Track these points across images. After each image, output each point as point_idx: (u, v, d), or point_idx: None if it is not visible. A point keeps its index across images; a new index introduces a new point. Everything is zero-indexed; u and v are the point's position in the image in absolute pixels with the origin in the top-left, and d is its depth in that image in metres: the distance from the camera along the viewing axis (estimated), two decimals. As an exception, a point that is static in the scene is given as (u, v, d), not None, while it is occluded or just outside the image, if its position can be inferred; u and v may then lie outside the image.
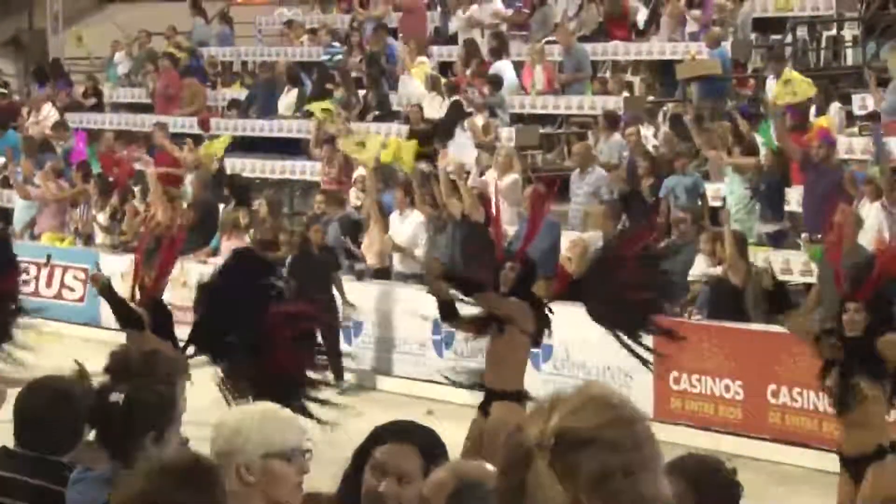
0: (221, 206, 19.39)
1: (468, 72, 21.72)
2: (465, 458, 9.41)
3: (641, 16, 22.71)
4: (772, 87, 18.28)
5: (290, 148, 22.61)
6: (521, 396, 10.21)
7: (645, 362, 10.76)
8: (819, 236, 14.32)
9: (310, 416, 8.96)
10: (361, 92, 22.50)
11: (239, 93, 24.71)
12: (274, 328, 9.06)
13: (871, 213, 14.51)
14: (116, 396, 4.67)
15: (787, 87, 15.44)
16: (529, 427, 2.49)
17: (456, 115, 20.13)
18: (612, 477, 2.44)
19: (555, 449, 2.45)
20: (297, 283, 12.81)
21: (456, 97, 20.67)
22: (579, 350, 14.33)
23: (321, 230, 17.08)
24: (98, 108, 25.96)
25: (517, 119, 21.37)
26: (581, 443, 2.45)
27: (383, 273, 17.03)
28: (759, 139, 16.39)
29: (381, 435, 4.05)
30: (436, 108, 21.01)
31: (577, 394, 2.52)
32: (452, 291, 10.69)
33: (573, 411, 2.47)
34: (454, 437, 12.66)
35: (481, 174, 18.31)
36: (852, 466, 8.16)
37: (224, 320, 8.92)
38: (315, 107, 20.78)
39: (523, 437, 2.48)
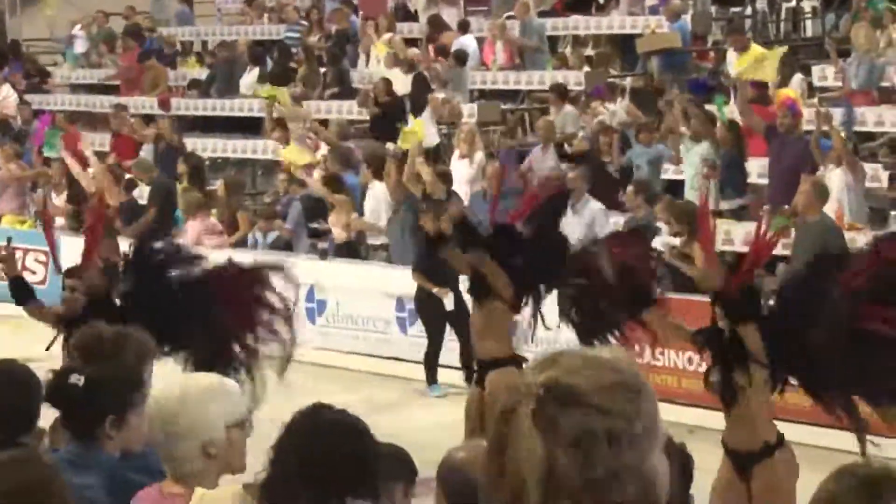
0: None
1: (431, 48, 21.71)
2: (469, 437, 9.34)
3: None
4: (732, 59, 18.32)
5: (251, 127, 22.53)
6: (515, 360, 10.11)
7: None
8: (786, 207, 14.36)
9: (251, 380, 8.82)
10: (323, 70, 22.44)
11: (199, 72, 24.60)
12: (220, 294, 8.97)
13: (833, 179, 14.57)
14: (76, 378, 4.64)
15: (756, 65, 15.44)
16: (526, 377, 2.42)
17: (422, 89, 20.08)
18: (594, 440, 2.36)
19: (540, 400, 2.37)
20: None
21: (419, 71, 20.64)
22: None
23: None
24: (41, 89, 25.78)
25: (479, 95, 21.37)
26: (568, 399, 2.37)
27: (350, 248, 16.99)
28: (715, 112, 16.40)
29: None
30: (400, 83, 20.97)
31: (585, 353, 2.45)
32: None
33: (572, 368, 2.40)
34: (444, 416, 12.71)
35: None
36: (737, 460, 7.98)
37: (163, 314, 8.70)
38: (264, 93, 20.72)
39: (518, 386, 2.41)
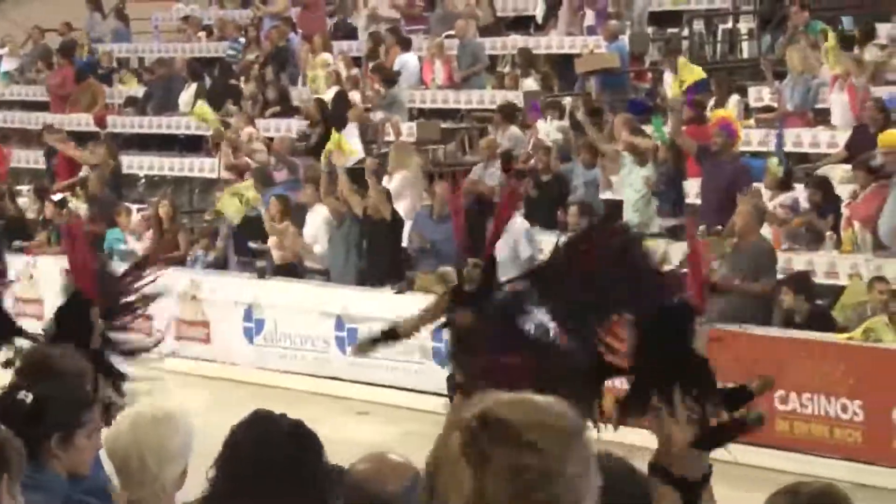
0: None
1: (370, 66, 21.71)
2: None
3: (539, 10, 22.80)
4: (669, 80, 18.45)
5: (189, 145, 22.43)
6: None
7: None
8: (718, 228, 14.43)
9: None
10: (262, 87, 22.38)
11: (136, 89, 24.47)
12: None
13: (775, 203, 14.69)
14: (23, 395, 4.59)
15: None
16: (454, 420, 2.44)
17: (342, 107, 20.07)
18: (527, 478, 2.37)
19: (472, 432, 2.38)
20: None
21: (341, 89, 20.65)
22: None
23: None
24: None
25: (418, 114, 21.39)
26: (500, 433, 2.37)
27: (288, 269, 16.93)
28: (653, 133, 16.50)
29: None
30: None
31: (520, 395, 2.45)
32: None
33: (509, 402, 2.40)
34: (379, 435, 12.68)
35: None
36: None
37: None
38: (197, 113, 20.67)
39: (451, 421, 2.44)
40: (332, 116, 19.86)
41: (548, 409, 2.42)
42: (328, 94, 21.02)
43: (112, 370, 7.45)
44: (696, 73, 18.33)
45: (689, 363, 4.59)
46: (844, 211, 14.69)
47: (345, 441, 12.22)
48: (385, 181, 17.06)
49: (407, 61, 21.73)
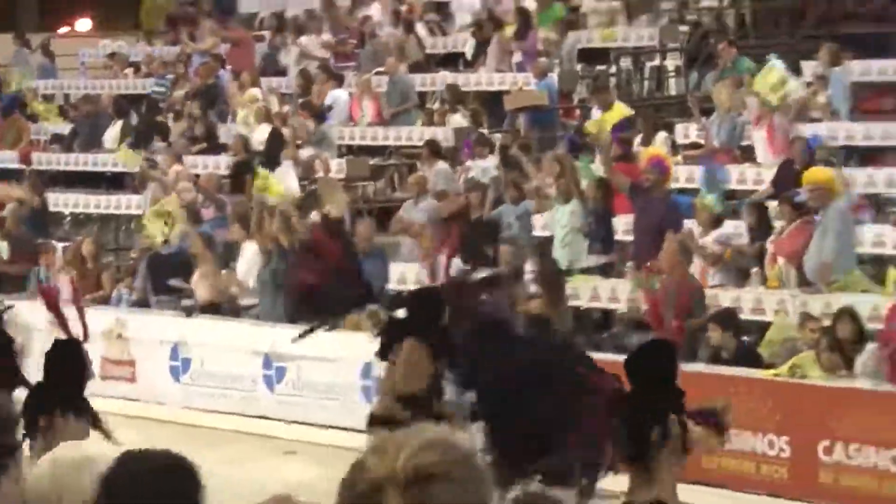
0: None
1: (300, 102, 21.67)
2: None
3: (469, 47, 22.86)
4: (597, 116, 18.51)
5: (115, 182, 22.26)
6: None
7: None
8: (649, 265, 14.46)
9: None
10: (190, 124, 22.27)
11: (62, 126, 24.27)
12: None
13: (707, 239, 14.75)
14: None
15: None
16: (373, 463, 2.60)
17: (277, 144, 20.00)
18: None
19: (407, 484, 2.55)
20: None
21: (274, 126, 20.59)
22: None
23: None
24: None
25: (347, 150, 21.35)
26: (432, 478, 2.56)
27: (214, 308, 16.80)
28: (581, 170, 16.53)
29: None
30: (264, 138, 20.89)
31: (418, 433, 2.64)
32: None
33: (421, 449, 2.59)
34: (306, 474, 12.56)
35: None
36: None
37: None
38: (121, 156, 20.56)
39: (368, 472, 2.59)
40: (267, 154, 19.75)
41: (455, 445, 2.64)
42: (259, 131, 20.95)
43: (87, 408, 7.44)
44: (622, 111, 18.42)
45: (675, 392, 4.95)
46: (769, 247, 14.78)
47: (272, 481, 12.15)
48: (313, 217, 17.03)
49: (338, 97, 21.71)
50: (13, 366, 7.95)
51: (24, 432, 7.44)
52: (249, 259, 16.80)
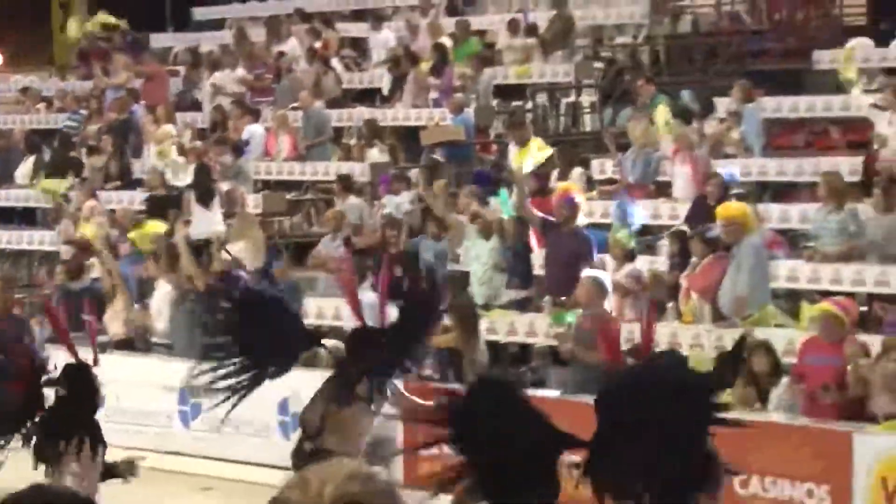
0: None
1: (214, 138, 21.58)
2: None
3: (385, 82, 22.90)
4: (513, 152, 18.61)
5: (28, 217, 22.05)
6: None
7: None
8: (563, 299, 14.52)
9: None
10: (104, 159, 22.11)
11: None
12: None
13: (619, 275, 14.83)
14: None
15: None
16: (297, 497, 2.70)
17: (206, 178, 19.87)
18: None
19: None
20: None
21: (201, 161, 20.50)
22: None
23: None
24: None
25: (263, 185, 21.29)
26: None
27: (127, 344, 16.65)
28: (498, 206, 16.59)
29: None
30: (180, 174, 20.77)
31: (339, 466, 2.76)
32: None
33: (344, 481, 2.70)
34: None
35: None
36: None
37: None
38: (45, 185, 20.39)
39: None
40: (198, 190, 19.56)
41: (378, 477, 2.76)
42: (175, 167, 20.84)
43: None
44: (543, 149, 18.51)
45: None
46: (683, 282, 14.89)
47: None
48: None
49: (254, 132, 21.65)
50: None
51: (37, 457, 7.49)
52: (161, 297, 16.67)
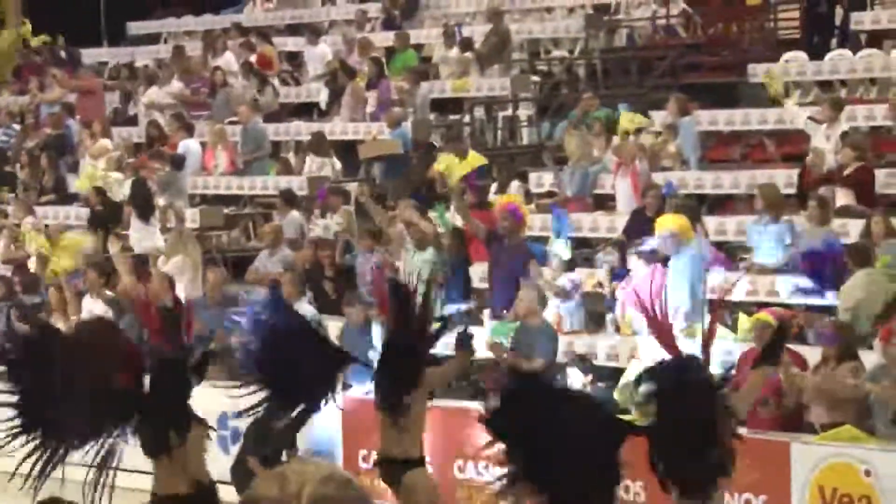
0: None
1: (150, 152, 21.46)
2: None
3: (323, 97, 22.88)
4: (439, 165, 18.64)
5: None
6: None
7: None
8: (506, 312, 14.55)
9: None
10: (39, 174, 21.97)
11: None
12: None
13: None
14: None
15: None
16: (274, 496, 2.78)
17: (145, 193, 19.76)
18: None
19: None
20: None
21: (139, 176, 20.39)
22: None
23: None
24: None
25: (201, 200, 21.19)
26: None
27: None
28: (436, 219, 16.59)
29: None
30: (117, 189, 20.65)
31: (316, 467, 2.86)
32: None
33: (322, 482, 2.80)
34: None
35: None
36: None
37: None
38: None
39: (270, 502, 2.79)
40: (136, 204, 19.43)
41: (352, 480, 2.85)
42: (111, 182, 20.72)
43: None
44: (477, 159, 18.60)
45: None
46: (619, 294, 14.94)
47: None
48: (161, 264, 16.98)
49: (189, 146, 21.55)
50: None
51: (152, 450, 7.97)
52: (98, 311, 16.57)
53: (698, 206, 16.35)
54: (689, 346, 13.12)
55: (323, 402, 9.21)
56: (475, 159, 18.69)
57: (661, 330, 7.19)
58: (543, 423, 6.11)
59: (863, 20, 20.80)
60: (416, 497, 9.78)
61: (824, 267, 14.27)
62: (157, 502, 8.53)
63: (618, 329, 14.83)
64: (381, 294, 10.06)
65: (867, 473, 11.14)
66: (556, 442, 6.09)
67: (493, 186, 18.26)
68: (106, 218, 19.48)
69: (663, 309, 7.42)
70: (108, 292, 16.76)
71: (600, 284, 15.53)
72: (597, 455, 6.24)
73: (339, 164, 20.74)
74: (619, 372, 14.02)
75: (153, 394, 8.10)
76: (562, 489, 6.08)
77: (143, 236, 18.79)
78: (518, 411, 6.20)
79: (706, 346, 7.22)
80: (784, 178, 16.77)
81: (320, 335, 9.53)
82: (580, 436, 6.14)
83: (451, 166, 18.55)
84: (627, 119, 18.17)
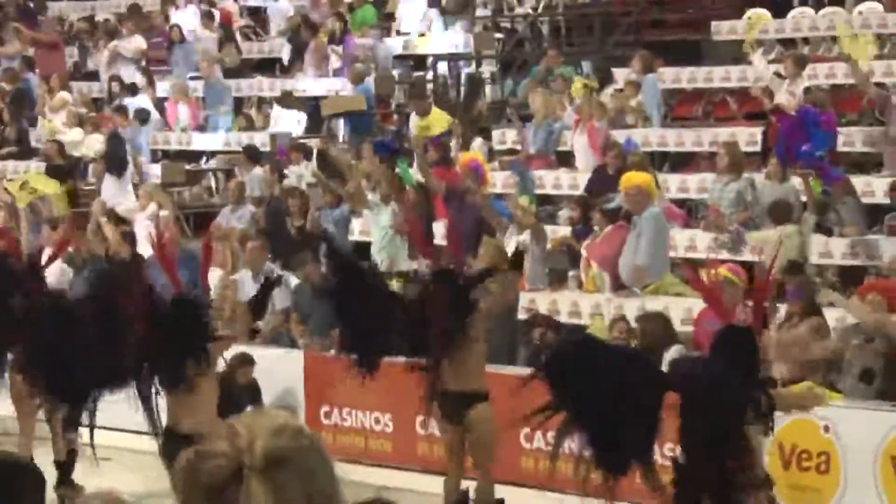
0: None
1: (111, 107, 21.33)
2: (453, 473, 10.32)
3: (285, 53, 22.75)
4: (414, 122, 18.58)
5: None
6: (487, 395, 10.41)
7: None
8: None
9: None
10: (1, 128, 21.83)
11: None
12: None
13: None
14: None
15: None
16: (226, 449, 2.67)
17: (119, 148, 19.59)
18: (318, 488, 2.72)
19: (265, 468, 2.65)
20: None
21: (113, 131, 20.22)
22: None
23: None
24: None
25: (163, 155, 21.09)
26: (288, 461, 2.68)
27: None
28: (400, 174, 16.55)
29: None
30: (77, 144, 20.52)
31: (267, 418, 2.74)
32: None
33: (273, 434, 2.69)
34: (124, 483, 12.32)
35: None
36: None
37: None
38: None
39: (218, 458, 2.67)
40: (110, 159, 19.27)
41: (305, 430, 2.77)
42: (71, 135, 20.59)
43: None
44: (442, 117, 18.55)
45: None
46: (584, 251, 14.96)
47: (89, 487, 11.91)
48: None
49: (145, 102, 21.42)
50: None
51: (169, 383, 8.75)
52: (58, 265, 16.48)
53: (649, 162, 16.41)
54: (655, 304, 13.26)
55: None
56: (441, 119, 18.61)
57: (713, 299, 7.82)
58: (596, 373, 6.61)
59: (826, -22, 20.81)
60: (485, 427, 10.24)
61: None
62: (170, 435, 9.17)
63: (580, 286, 14.85)
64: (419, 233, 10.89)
65: (826, 429, 11.21)
66: (608, 391, 6.64)
67: (456, 143, 18.21)
68: (64, 172, 19.33)
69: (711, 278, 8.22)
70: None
71: (563, 241, 15.54)
72: (641, 404, 6.82)
73: (304, 120, 20.67)
74: (582, 329, 14.04)
75: (175, 330, 8.68)
76: (608, 435, 6.65)
77: (115, 192, 18.69)
78: (574, 363, 6.74)
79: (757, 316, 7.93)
80: (746, 136, 16.80)
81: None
82: (629, 384, 6.68)
83: (431, 123, 18.47)
84: (581, 83, 18.16)
